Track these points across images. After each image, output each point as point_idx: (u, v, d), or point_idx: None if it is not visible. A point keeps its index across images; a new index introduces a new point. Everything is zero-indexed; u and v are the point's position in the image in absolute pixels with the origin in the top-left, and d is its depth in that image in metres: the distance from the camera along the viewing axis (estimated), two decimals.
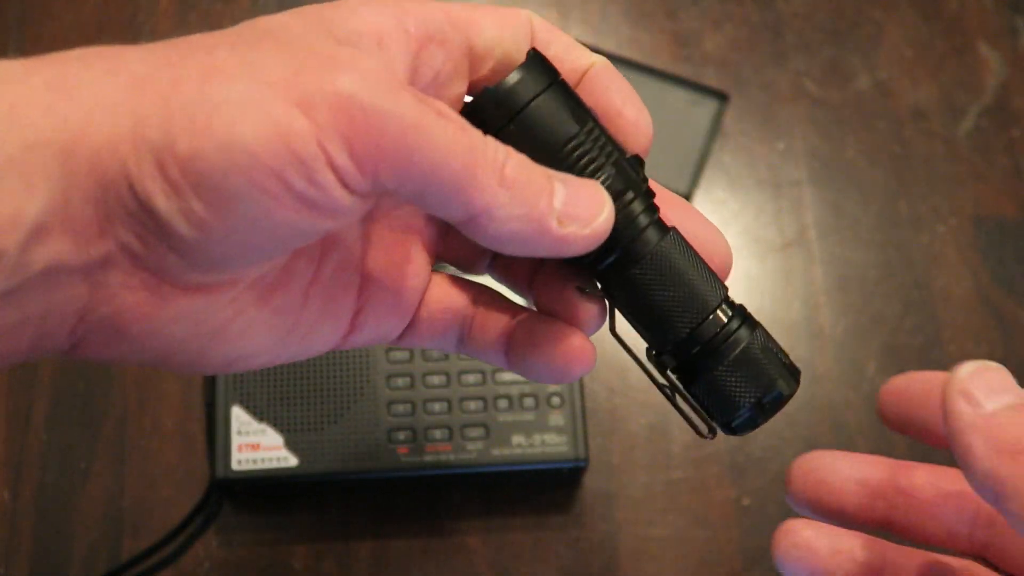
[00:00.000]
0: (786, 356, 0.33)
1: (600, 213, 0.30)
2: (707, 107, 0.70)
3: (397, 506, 0.62)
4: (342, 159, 0.26)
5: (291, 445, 0.59)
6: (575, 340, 0.33)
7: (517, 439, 0.59)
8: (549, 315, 0.34)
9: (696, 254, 0.33)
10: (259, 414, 0.59)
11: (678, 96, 0.70)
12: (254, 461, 0.58)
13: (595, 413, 0.64)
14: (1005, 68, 0.75)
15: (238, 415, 0.59)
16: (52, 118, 0.25)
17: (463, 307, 0.35)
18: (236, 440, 0.59)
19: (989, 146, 0.73)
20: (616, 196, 0.31)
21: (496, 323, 0.34)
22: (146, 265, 0.27)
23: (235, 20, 0.76)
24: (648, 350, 0.34)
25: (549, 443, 0.59)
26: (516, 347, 0.34)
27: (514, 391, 0.60)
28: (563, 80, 0.32)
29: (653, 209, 0.32)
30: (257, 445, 0.59)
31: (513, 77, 0.31)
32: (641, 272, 0.32)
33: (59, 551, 0.61)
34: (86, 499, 0.62)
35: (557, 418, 0.60)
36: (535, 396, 0.60)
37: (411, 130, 0.27)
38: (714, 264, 0.33)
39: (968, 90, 0.74)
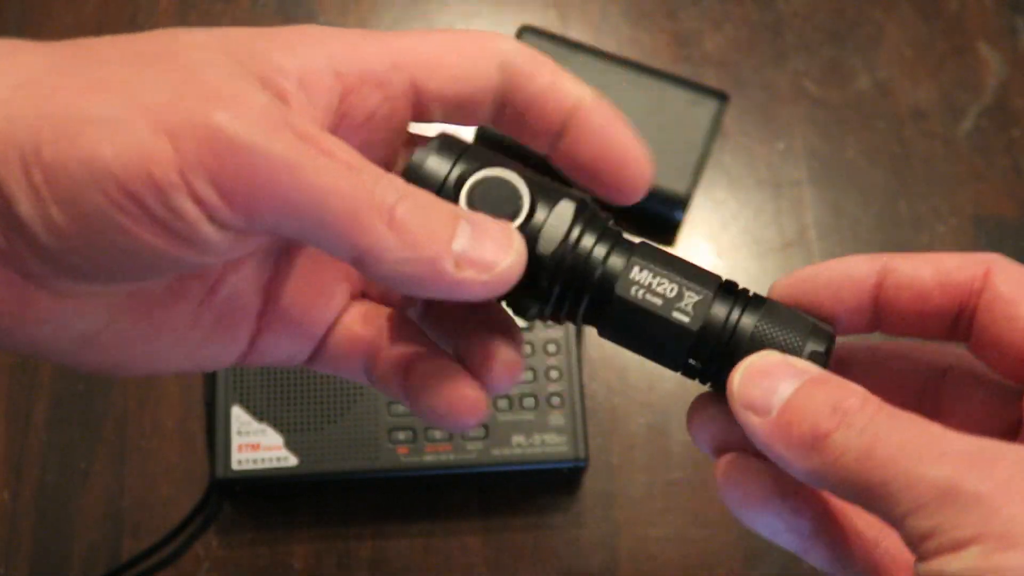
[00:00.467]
0: (808, 319, 0.32)
1: (504, 259, 0.29)
2: (707, 107, 0.70)
3: (397, 506, 0.62)
4: (207, 193, 0.26)
5: (291, 445, 0.59)
6: (466, 389, 0.32)
7: (517, 439, 0.59)
8: (460, 359, 0.33)
9: (672, 257, 0.32)
10: (259, 414, 0.59)
11: (678, 96, 0.70)
12: (254, 461, 0.58)
13: (595, 413, 0.64)
14: (1005, 68, 0.75)
15: (238, 415, 0.59)
16: None
17: (371, 338, 0.34)
18: (236, 440, 0.59)
19: (989, 146, 0.73)
20: (555, 246, 0.30)
21: (400, 358, 0.33)
22: (10, 264, 0.27)
23: (235, 21, 0.76)
24: None
25: (549, 443, 0.59)
26: (412, 385, 0.33)
27: (514, 391, 0.60)
28: (470, 155, 0.31)
29: (610, 236, 0.31)
30: (257, 445, 0.59)
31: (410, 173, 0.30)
32: (618, 304, 0.31)
33: (59, 551, 0.61)
34: (86, 499, 0.62)
35: (557, 418, 0.60)
36: (535, 396, 0.60)
37: (285, 169, 0.26)
38: (627, 174, 0.32)
39: (968, 90, 0.74)
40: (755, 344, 0.31)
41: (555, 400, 0.60)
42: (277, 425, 0.59)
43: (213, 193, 0.26)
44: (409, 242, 0.28)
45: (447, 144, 0.31)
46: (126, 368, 0.31)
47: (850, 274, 0.33)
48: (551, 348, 0.61)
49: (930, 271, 0.32)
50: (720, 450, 0.33)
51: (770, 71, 0.74)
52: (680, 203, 0.67)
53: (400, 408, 0.60)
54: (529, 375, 0.60)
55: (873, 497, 0.28)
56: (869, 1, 0.77)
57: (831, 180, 0.72)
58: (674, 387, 0.65)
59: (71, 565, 0.61)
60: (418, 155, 0.31)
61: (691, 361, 0.31)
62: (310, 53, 0.29)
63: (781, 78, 0.74)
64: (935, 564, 0.26)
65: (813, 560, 0.32)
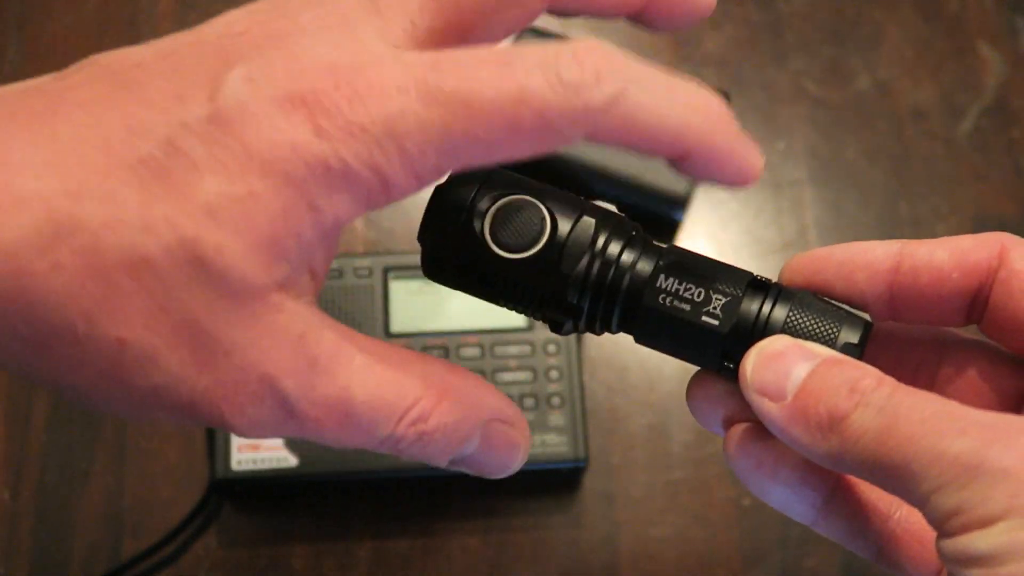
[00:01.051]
0: (842, 309, 0.31)
1: (507, 467, 0.31)
2: None
3: (397, 506, 0.62)
4: None
5: (291, 445, 0.59)
6: None
7: None
8: None
9: (700, 259, 0.32)
10: None
11: None
12: (254, 461, 0.58)
13: (595, 413, 0.64)
14: (1005, 68, 0.75)
15: None
16: None
17: None
18: (236, 440, 0.59)
19: (989, 146, 0.73)
20: (579, 262, 0.31)
21: None
22: None
23: None
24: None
25: (549, 443, 0.59)
26: None
27: (514, 391, 0.60)
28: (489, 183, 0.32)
29: (637, 244, 0.32)
30: (257, 445, 0.59)
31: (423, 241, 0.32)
32: (648, 313, 0.31)
33: (59, 551, 0.61)
34: (86, 499, 0.62)
35: (557, 418, 0.60)
36: (535, 396, 0.60)
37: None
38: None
39: (968, 90, 0.74)
40: (788, 332, 0.31)
41: (555, 400, 0.60)
42: None
43: None
44: (427, 449, 0.30)
45: (469, 173, 0.32)
46: None
47: (866, 257, 0.32)
48: (551, 348, 0.61)
49: (947, 253, 0.32)
50: (728, 422, 0.32)
51: (770, 71, 0.74)
52: (680, 203, 0.67)
53: None
54: (529, 375, 0.60)
55: (895, 477, 0.27)
56: (869, 1, 0.77)
57: (831, 180, 0.72)
58: (674, 387, 0.65)
59: (71, 565, 0.61)
60: (442, 185, 0.31)
61: (727, 364, 0.31)
62: (339, 211, 0.27)
63: (781, 78, 0.74)
64: (962, 541, 0.26)
65: (824, 531, 0.32)
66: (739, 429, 0.32)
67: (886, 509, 0.32)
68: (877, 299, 0.32)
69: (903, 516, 0.32)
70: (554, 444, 0.59)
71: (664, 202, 0.67)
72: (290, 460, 0.58)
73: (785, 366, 0.29)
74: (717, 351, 0.31)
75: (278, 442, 0.59)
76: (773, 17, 0.76)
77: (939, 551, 0.27)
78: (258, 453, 0.58)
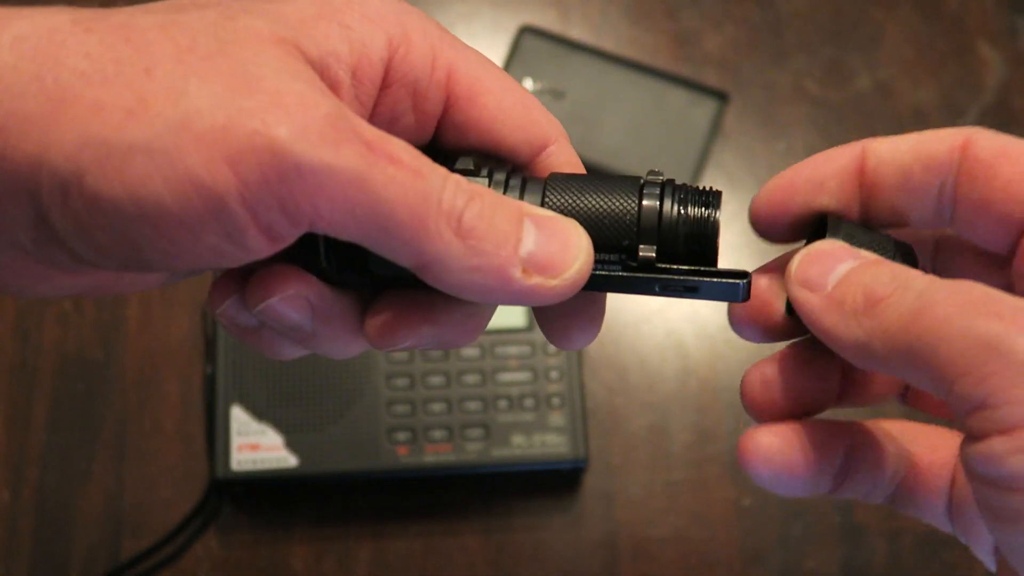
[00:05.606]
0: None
1: (572, 262, 0.28)
2: (707, 107, 0.70)
3: (397, 506, 0.62)
4: (272, 218, 0.25)
5: (291, 445, 0.59)
6: None
7: (517, 439, 0.59)
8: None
9: (586, 178, 0.31)
10: (259, 414, 0.59)
11: (678, 96, 0.70)
12: (254, 461, 0.58)
13: (595, 413, 0.64)
14: (1005, 68, 0.75)
15: (238, 415, 0.59)
16: None
17: None
18: (236, 440, 0.59)
19: None
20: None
21: None
22: (37, 259, 0.27)
23: None
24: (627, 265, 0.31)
25: (549, 443, 0.59)
26: None
27: (514, 391, 0.60)
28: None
29: (515, 178, 0.30)
30: (257, 445, 0.59)
31: None
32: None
33: (59, 551, 0.61)
34: (86, 499, 0.62)
35: (557, 418, 0.60)
36: (535, 396, 0.60)
37: (353, 183, 0.25)
38: (528, 133, 0.31)
39: (968, 90, 0.74)
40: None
41: (555, 400, 0.60)
42: (277, 425, 0.59)
43: (279, 216, 0.25)
44: (476, 249, 0.27)
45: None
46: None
47: (830, 163, 0.32)
48: (551, 348, 0.61)
49: (909, 145, 0.33)
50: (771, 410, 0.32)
51: (770, 71, 0.74)
52: None
53: (400, 408, 0.60)
54: (529, 375, 0.60)
55: (922, 362, 0.26)
56: (869, 1, 0.77)
57: None
58: (674, 387, 0.65)
59: (71, 565, 0.61)
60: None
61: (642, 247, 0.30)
62: (367, 39, 0.28)
63: (781, 78, 0.74)
64: (984, 448, 0.25)
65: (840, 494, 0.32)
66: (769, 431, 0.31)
67: (895, 466, 0.32)
68: (850, 203, 0.32)
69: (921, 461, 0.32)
70: (554, 444, 0.59)
71: None
72: (290, 460, 0.58)
73: (831, 262, 0.30)
74: (632, 204, 0.30)
75: (278, 442, 0.59)
76: (773, 17, 0.76)
77: (964, 462, 0.26)
78: (258, 453, 0.58)
